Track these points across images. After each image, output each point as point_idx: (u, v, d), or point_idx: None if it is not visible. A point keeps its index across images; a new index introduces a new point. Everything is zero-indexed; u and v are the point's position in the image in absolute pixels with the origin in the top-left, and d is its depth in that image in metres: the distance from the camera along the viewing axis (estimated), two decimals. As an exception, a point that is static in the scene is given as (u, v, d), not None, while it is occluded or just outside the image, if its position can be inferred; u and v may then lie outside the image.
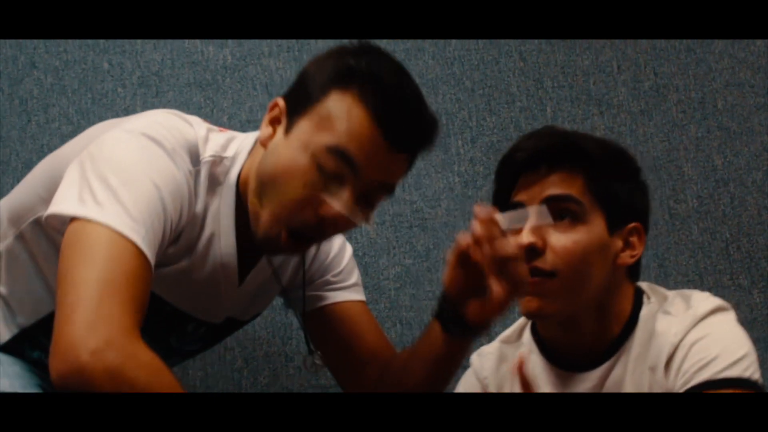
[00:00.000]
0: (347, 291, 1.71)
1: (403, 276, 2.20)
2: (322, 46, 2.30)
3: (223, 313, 1.58)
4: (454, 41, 2.34)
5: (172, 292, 1.48)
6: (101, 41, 2.28)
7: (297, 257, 1.62)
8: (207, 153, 1.44)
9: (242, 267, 1.52)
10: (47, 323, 1.32)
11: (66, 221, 1.30)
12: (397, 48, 2.32)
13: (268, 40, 2.31)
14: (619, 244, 1.50)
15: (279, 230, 1.39)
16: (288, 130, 1.42)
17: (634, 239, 1.52)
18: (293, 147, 1.39)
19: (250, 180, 1.44)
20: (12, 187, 2.19)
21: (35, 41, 2.28)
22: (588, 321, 1.49)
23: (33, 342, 1.52)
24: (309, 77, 1.44)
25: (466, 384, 1.66)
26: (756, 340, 2.16)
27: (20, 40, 2.28)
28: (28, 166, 2.20)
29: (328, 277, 1.70)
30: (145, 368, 1.20)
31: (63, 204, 1.31)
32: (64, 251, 1.28)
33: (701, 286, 2.20)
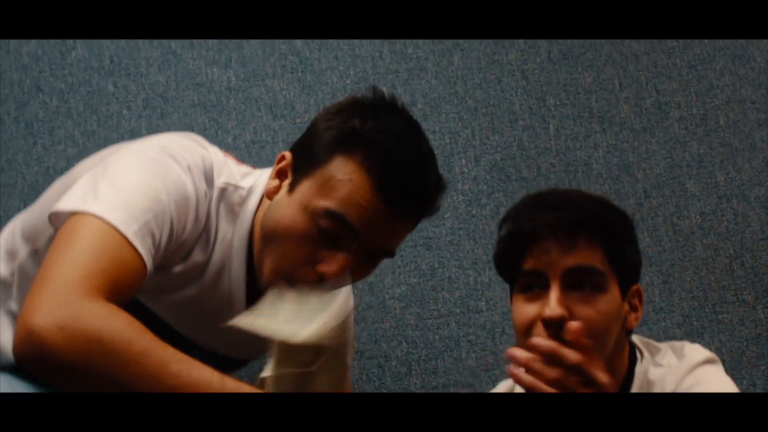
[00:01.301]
0: None
1: (409, 295, 2.20)
2: (325, 67, 2.33)
3: (229, 345, 1.58)
4: (456, 60, 2.35)
5: (179, 320, 1.47)
6: (106, 64, 2.30)
7: None
8: (221, 178, 1.44)
9: (252, 305, 1.52)
10: None
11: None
12: (399, 68, 2.34)
13: (272, 61, 2.32)
14: (627, 307, 1.51)
15: (279, 284, 1.39)
16: (292, 188, 1.41)
17: (636, 301, 1.54)
18: (295, 207, 1.39)
19: (258, 226, 1.44)
20: (19, 209, 2.20)
21: (41, 64, 2.29)
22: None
23: None
24: (315, 135, 1.43)
25: None
26: (760, 356, 2.18)
27: (26, 63, 2.29)
28: (34, 188, 2.21)
29: None
30: (97, 317, 1.17)
31: (65, 202, 1.32)
32: (53, 241, 1.28)
33: (705, 303, 2.21)
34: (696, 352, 1.52)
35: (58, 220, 1.32)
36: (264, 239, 1.41)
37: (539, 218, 1.48)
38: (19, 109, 2.27)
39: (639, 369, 1.52)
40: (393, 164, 1.37)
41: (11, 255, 1.53)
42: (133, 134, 2.26)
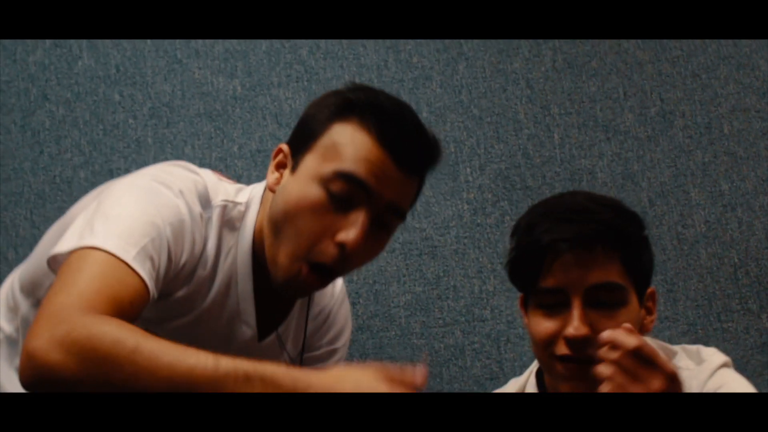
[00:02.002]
0: None
1: (414, 303, 2.20)
2: (330, 76, 2.34)
3: None
4: (461, 69, 2.36)
5: (191, 344, 1.47)
6: (112, 73, 2.31)
7: (301, 326, 1.62)
8: (219, 197, 1.45)
9: (263, 325, 1.52)
10: None
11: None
12: (404, 77, 2.34)
13: (278, 70, 2.33)
14: (643, 312, 1.52)
15: (299, 267, 1.38)
16: (294, 168, 1.42)
17: (650, 304, 1.54)
18: (302, 181, 1.39)
19: (264, 227, 1.44)
20: (25, 218, 2.21)
21: (47, 73, 2.30)
22: None
23: None
24: (310, 117, 1.46)
25: None
26: (765, 365, 2.18)
27: (32, 73, 2.30)
28: (41, 197, 2.22)
29: (319, 352, 1.70)
30: (88, 326, 1.15)
31: (62, 245, 1.31)
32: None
33: (710, 311, 2.21)
34: (715, 355, 1.52)
35: (56, 265, 1.31)
36: (275, 228, 1.40)
37: (555, 231, 1.46)
38: (25, 118, 2.28)
39: None
40: (391, 119, 1.40)
41: (14, 311, 1.53)
42: (139, 143, 2.27)
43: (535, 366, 1.66)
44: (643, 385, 1.27)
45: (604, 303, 1.44)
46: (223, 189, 1.47)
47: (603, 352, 1.29)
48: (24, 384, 1.18)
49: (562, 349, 1.44)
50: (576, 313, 1.42)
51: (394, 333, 2.18)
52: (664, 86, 2.39)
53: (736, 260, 2.26)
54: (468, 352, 2.19)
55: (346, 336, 1.74)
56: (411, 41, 2.36)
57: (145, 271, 1.28)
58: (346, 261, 1.40)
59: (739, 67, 2.40)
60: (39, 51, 2.33)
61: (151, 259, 1.30)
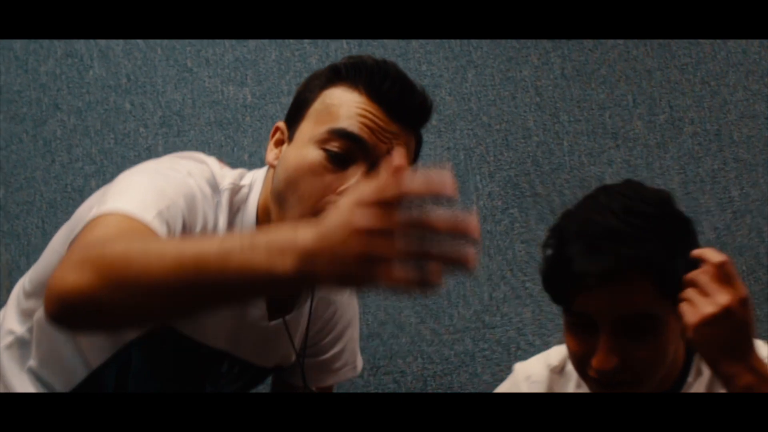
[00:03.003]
0: (332, 374, 1.76)
1: (424, 311, 2.21)
2: (340, 84, 2.35)
3: (252, 348, 1.59)
4: (470, 77, 2.36)
5: (200, 330, 1.49)
6: (123, 82, 2.32)
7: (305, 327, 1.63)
8: (226, 181, 1.48)
9: (272, 309, 1.54)
10: (82, 390, 1.38)
11: None
12: (414, 85, 2.35)
13: (287, 79, 2.34)
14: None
15: None
16: (291, 139, 1.47)
17: None
18: (299, 147, 1.43)
19: (269, 203, 1.46)
20: (37, 226, 2.22)
21: (59, 83, 2.31)
22: (653, 383, 1.45)
23: None
24: (301, 93, 1.51)
25: None
26: (777, 371, 2.17)
27: (44, 82, 2.31)
28: (52, 206, 2.23)
29: (324, 357, 1.73)
30: (99, 244, 1.15)
31: (78, 231, 1.30)
32: None
33: (720, 318, 2.20)
34: (762, 348, 1.47)
35: None
36: (279, 199, 1.43)
37: (584, 260, 1.37)
38: (37, 127, 2.29)
39: (698, 357, 1.47)
40: (378, 75, 1.44)
41: (26, 313, 1.54)
42: (150, 152, 2.28)
43: None
44: (710, 299, 1.26)
45: (635, 331, 1.38)
46: (229, 174, 1.50)
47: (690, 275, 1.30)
48: (51, 320, 1.16)
49: (592, 371, 1.40)
50: (603, 344, 1.37)
51: (404, 340, 2.18)
52: (673, 93, 2.39)
53: (746, 267, 2.26)
54: (478, 359, 2.19)
55: (347, 337, 1.75)
56: (420, 49, 2.37)
57: (163, 233, 1.28)
58: None
59: (747, 74, 2.41)
60: (50, 61, 2.34)
61: (168, 224, 1.30)
